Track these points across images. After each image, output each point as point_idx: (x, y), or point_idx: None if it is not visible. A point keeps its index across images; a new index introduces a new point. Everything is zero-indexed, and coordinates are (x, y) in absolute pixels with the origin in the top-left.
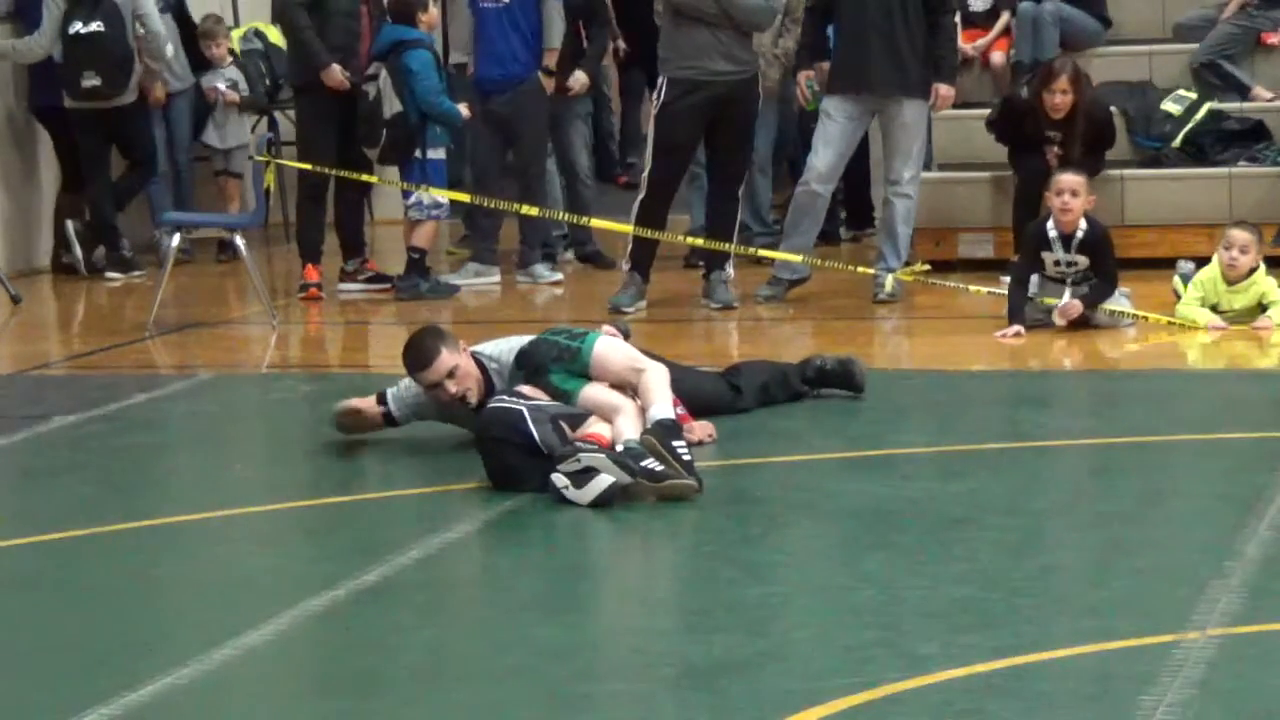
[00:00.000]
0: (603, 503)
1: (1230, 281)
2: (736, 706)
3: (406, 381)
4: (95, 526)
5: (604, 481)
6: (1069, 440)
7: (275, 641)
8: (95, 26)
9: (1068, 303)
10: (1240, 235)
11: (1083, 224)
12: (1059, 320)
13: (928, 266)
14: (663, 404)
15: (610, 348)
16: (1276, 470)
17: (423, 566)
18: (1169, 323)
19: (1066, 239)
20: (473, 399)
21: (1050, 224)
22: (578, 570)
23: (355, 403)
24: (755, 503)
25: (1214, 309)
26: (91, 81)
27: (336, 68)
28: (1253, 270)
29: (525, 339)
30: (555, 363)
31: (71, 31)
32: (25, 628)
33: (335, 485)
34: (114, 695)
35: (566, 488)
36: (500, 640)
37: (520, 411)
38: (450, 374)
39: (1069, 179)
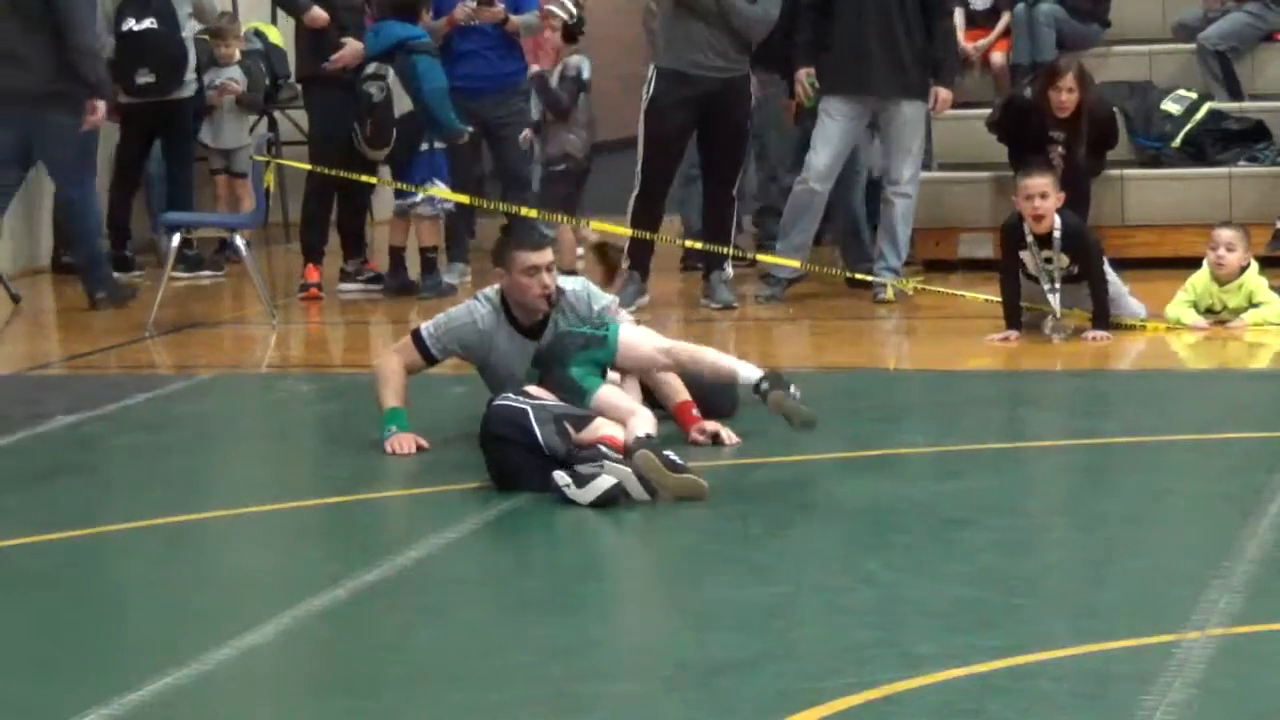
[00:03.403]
0: (604, 503)
1: (1221, 281)
2: (736, 706)
3: (443, 317)
4: (95, 526)
5: (605, 482)
6: (1069, 440)
7: (276, 641)
8: (148, 24)
9: (1094, 335)
10: (1225, 233)
11: (1057, 221)
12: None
13: (920, 278)
14: (746, 367)
15: (635, 334)
16: (1276, 470)
17: (423, 566)
18: (1168, 329)
19: (1043, 239)
20: (552, 303)
21: (1025, 225)
22: (578, 570)
23: (409, 445)
24: (755, 503)
25: (1209, 311)
26: (146, 78)
27: (317, 9)
28: (1244, 269)
29: (581, 280)
30: (581, 350)
31: (124, 29)
32: (25, 628)
33: (335, 485)
34: (114, 695)
35: (568, 486)
36: (500, 640)
37: (524, 410)
38: (549, 267)
39: (1036, 182)
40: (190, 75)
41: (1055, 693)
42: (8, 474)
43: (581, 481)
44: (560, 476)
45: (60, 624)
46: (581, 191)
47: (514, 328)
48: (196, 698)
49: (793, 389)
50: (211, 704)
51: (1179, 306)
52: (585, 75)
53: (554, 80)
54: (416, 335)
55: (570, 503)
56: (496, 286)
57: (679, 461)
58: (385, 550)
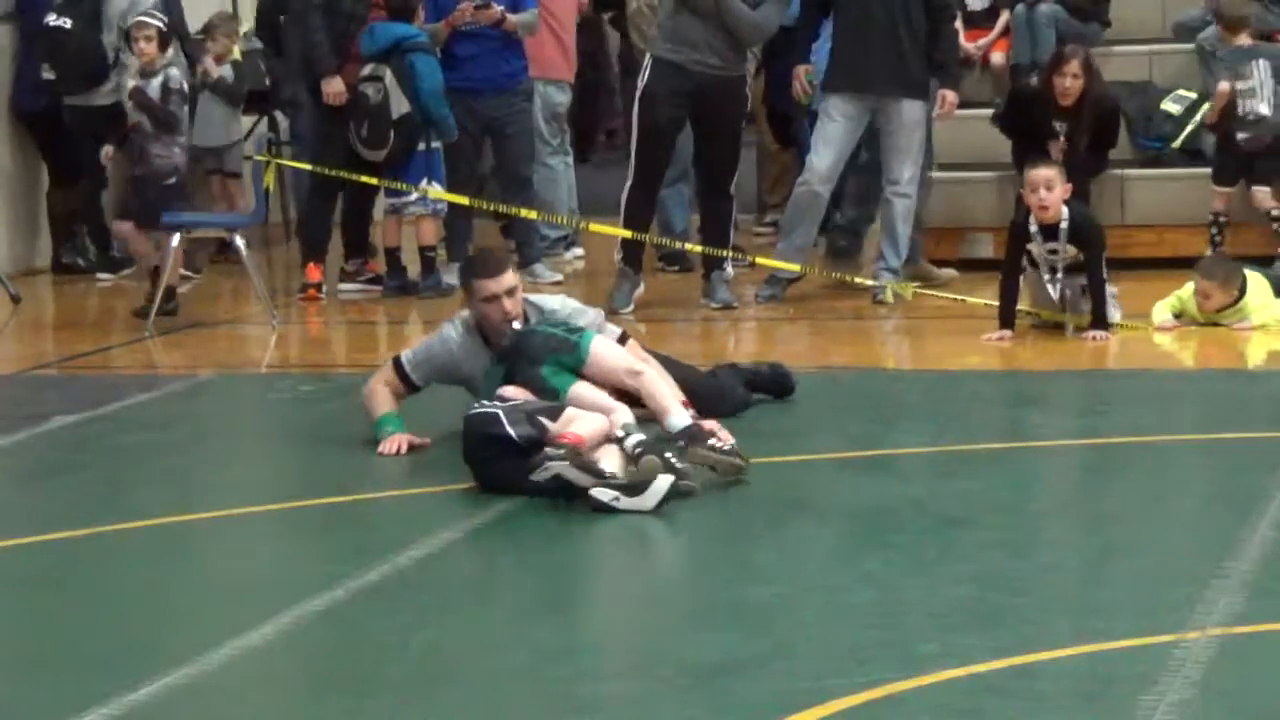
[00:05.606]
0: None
1: (1205, 310)
2: (736, 706)
3: (421, 347)
4: (95, 526)
5: (664, 483)
6: (1069, 440)
7: (275, 641)
8: (63, 21)
9: (1093, 334)
10: (1205, 283)
11: (1064, 212)
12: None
13: (915, 285)
14: (678, 412)
15: (607, 348)
16: (1276, 470)
17: (423, 566)
18: (1152, 329)
19: (1050, 230)
20: (518, 325)
21: (1031, 219)
22: (577, 570)
23: (401, 444)
24: (755, 503)
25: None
26: (47, 75)
27: (338, 79)
28: (1226, 306)
29: (560, 299)
30: (551, 353)
31: (45, 23)
32: (25, 628)
33: (335, 485)
34: (114, 695)
35: (616, 499)
36: (500, 640)
37: (496, 415)
38: (510, 292)
39: (1041, 173)
40: (111, 85)
41: (1055, 693)
42: (8, 474)
43: (635, 490)
44: (603, 493)
45: (60, 624)
46: (191, 198)
47: (489, 350)
48: (196, 698)
49: (717, 441)
50: (211, 704)
51: (1160, 310)
52: (185, 86)
53: (154, 93)
54: (397, 362)
55: (567, 503)
56: (468, 311)
57: (719, 446)
58: (385, 550)
